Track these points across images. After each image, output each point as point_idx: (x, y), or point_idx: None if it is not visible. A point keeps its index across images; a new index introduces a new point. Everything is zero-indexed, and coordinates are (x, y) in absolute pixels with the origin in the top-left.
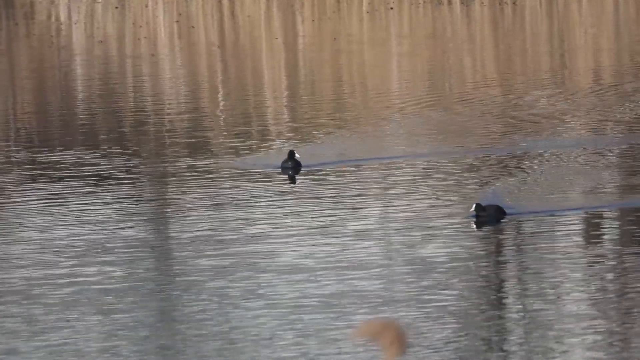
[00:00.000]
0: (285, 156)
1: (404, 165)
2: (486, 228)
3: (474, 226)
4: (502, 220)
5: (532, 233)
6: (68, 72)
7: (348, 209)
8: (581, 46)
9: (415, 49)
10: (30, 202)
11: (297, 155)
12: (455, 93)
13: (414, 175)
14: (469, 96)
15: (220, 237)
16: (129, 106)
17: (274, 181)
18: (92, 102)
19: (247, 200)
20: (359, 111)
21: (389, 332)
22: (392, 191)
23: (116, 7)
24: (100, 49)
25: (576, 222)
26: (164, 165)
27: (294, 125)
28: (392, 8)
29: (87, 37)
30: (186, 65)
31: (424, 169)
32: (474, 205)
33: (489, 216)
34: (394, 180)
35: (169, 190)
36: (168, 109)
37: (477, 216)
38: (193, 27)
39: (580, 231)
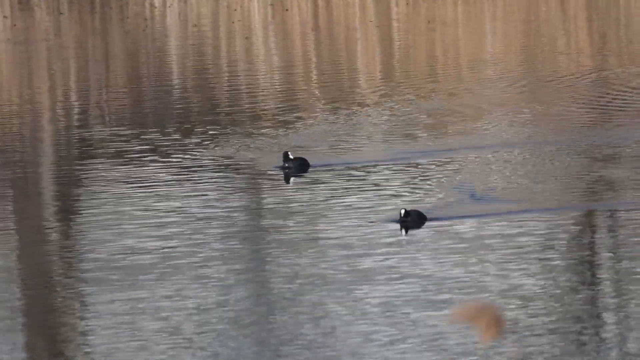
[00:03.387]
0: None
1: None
2: (410, 232)
3: (402, 231)
4: (423, 226)
5: (452, 237)
6: (161, 55)
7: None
8: None
9: (509, 32)
10: (121, 180)
11: (290, 155)
12: (548, 80)
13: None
14: (561, 82)
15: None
16: (222, 88)
17: (274, 181)
18: (185, 84)
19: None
20: (448, 100)
21: (485, 315)
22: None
23: None
24: (194, 32)
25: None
26: (243, 150)
27: (381, 112)
28: None
29: (180, 21)
30: (280, 48)
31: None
32: (402, 211)
33: (412, 221)
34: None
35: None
36: (261, 92)
37: (403, 221)
38: (287, 10)
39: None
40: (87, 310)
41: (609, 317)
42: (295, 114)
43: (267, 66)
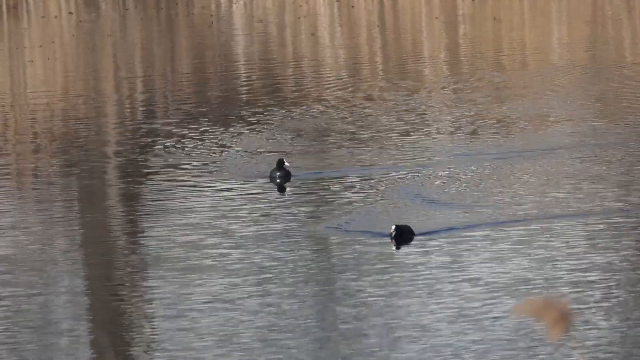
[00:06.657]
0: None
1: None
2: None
3: (393, 246)
4: (411, 241)
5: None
6: (227, 51)
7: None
8: None
9: (574, 32)
10: (183, 175)
11: (286, 164)
12: (613, 79)
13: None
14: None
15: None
16: (286, 84)
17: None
18: (249, 79)
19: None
20: (511, 100)
21: (552, 310)
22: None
23: None
24: (260, 28)
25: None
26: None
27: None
28: None
29: (246, 17)
30: (346, 45)
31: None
32: (393, 227)
33: (404, 236)
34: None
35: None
36: (326, 89)
37: (397, 236)
38: (353, 6)
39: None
40: (147, 301)
41: None
42: (358, 111)
43: (333, 62)
